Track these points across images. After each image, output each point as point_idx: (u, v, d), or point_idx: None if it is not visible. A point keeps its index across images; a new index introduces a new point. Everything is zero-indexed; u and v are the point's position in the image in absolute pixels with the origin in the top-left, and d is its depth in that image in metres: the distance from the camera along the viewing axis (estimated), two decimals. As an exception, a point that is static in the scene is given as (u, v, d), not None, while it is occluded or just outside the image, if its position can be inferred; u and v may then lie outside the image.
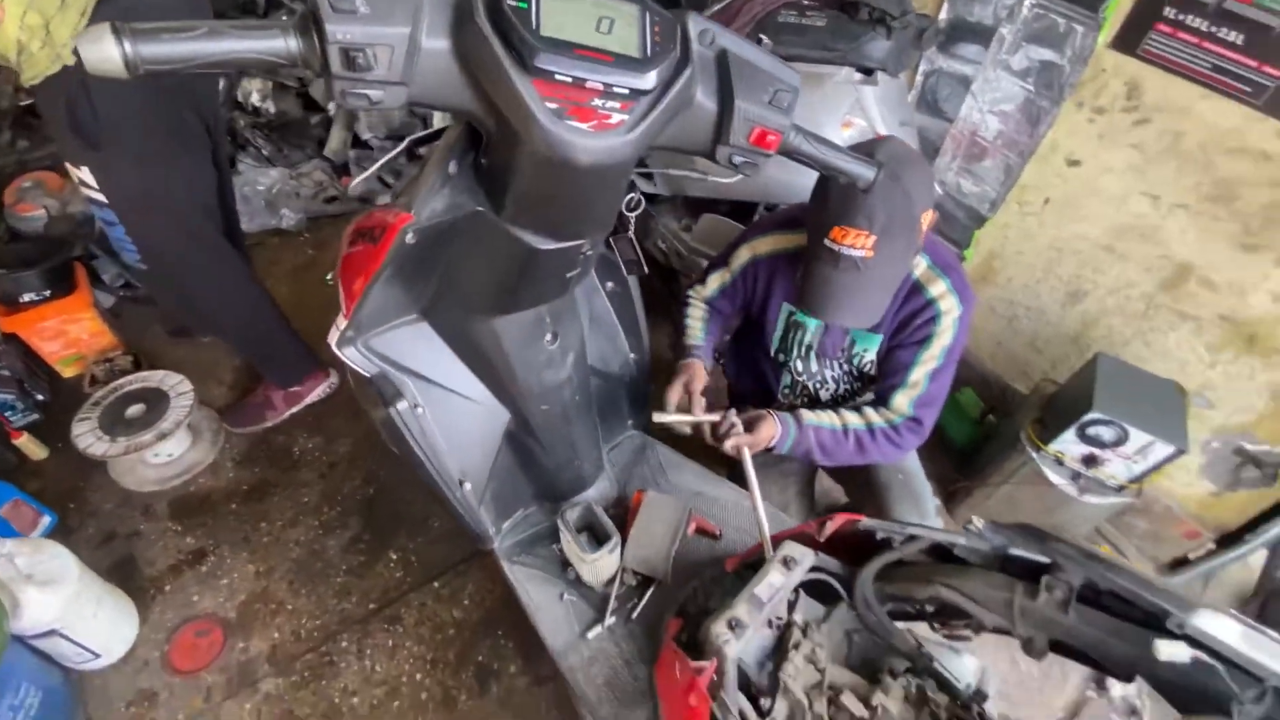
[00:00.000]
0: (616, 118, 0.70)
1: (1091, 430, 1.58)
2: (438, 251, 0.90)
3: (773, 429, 1.32)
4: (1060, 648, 0.96)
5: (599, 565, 1.27)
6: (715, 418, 1.31)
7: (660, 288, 2.36)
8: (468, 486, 1.21)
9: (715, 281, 1.46)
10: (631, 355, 1.48)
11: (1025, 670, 1.77)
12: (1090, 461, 1.62)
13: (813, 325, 1.40)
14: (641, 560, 1.31)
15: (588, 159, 0.71)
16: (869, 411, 1.36)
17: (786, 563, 1.10)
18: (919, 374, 1.31)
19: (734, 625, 1.01)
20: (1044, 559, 0.92)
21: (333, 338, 1.00)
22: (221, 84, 2.97)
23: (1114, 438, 1.56)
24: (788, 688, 0.99)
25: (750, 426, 1.32)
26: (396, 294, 0.98)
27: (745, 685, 1.05)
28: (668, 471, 1.58)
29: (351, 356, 1.02)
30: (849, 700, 0.96)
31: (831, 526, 1.13)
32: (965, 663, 1.22)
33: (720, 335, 1.58)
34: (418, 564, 1.80)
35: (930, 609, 1.11)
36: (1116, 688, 1.90)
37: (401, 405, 1.05)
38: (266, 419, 2.06)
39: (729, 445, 1.32)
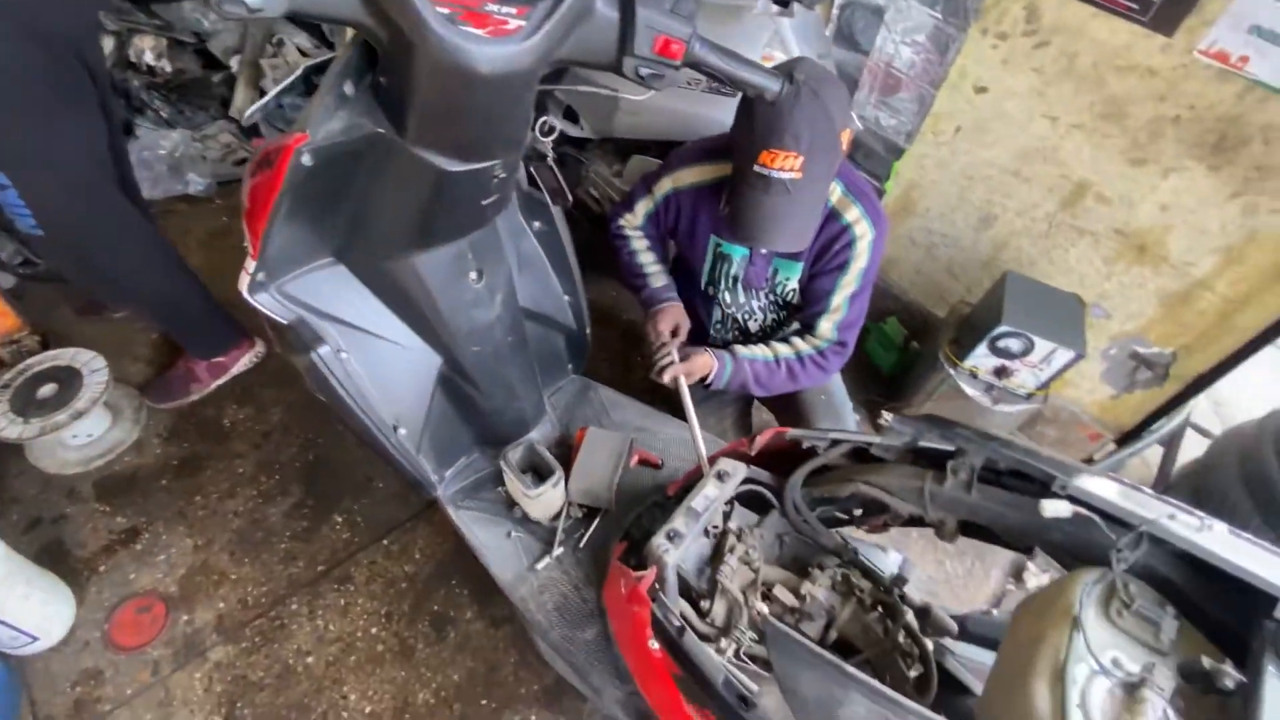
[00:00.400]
0: (514, 23, 0.69)
1: (1001, 343, 1.68)
2: (342, 182, 0.87)
3: (709, 362, 1.36)
4: (969, 529, 1.05)
5: (544, 500, 1.30)
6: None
7: (596, 237, 2.35)
8: (402, 432, 1.20)
9: (643, 208, 1.47)
10: (566, 298, 1.49)
11: (950, 570, 1.92)
12: (1001, 373, 1.74)
13: (738, 256, 1.43)
14: (585, 492, 1.35)
15: (487, 67, 0.70)
16: (797, 340, 1.42)
17: (720, 476, 1.15)
18: (839, 299, 1.37)
19: (672, 536, 1.05)
20: (949, 446, 0.99)
21: (243, 284, 0.97)
22: (110, 43, 2.73)
23: (1021, 348, 1.67)
24: (725, 588, 1.05)
25: (685, 358, 1.36)
26: (304, 231, 0.95)
27: (686, 591, 1.11)
28: (610, 411, 1.61)
29: (265, 303, 0.99)
30: (780, 593, 1.03)
31: (761, 440, 1.18)
32: (889, 557, 1.32)
33: (668, 261, 1.60)
34: (364, 524, 1.78)
35: (857, 511, 1.19)
36: (1032, 579, 2.07)
37: (323, 350, 1.03)
38: (191, 392, 1.97)
39: (667, 377, 1.36)
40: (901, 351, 2.19)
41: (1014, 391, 1.76)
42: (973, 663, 1.15)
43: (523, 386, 1.37)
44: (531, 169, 1.17)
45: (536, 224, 1.35)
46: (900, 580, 1.10)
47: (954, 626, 1.07)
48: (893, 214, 2.18)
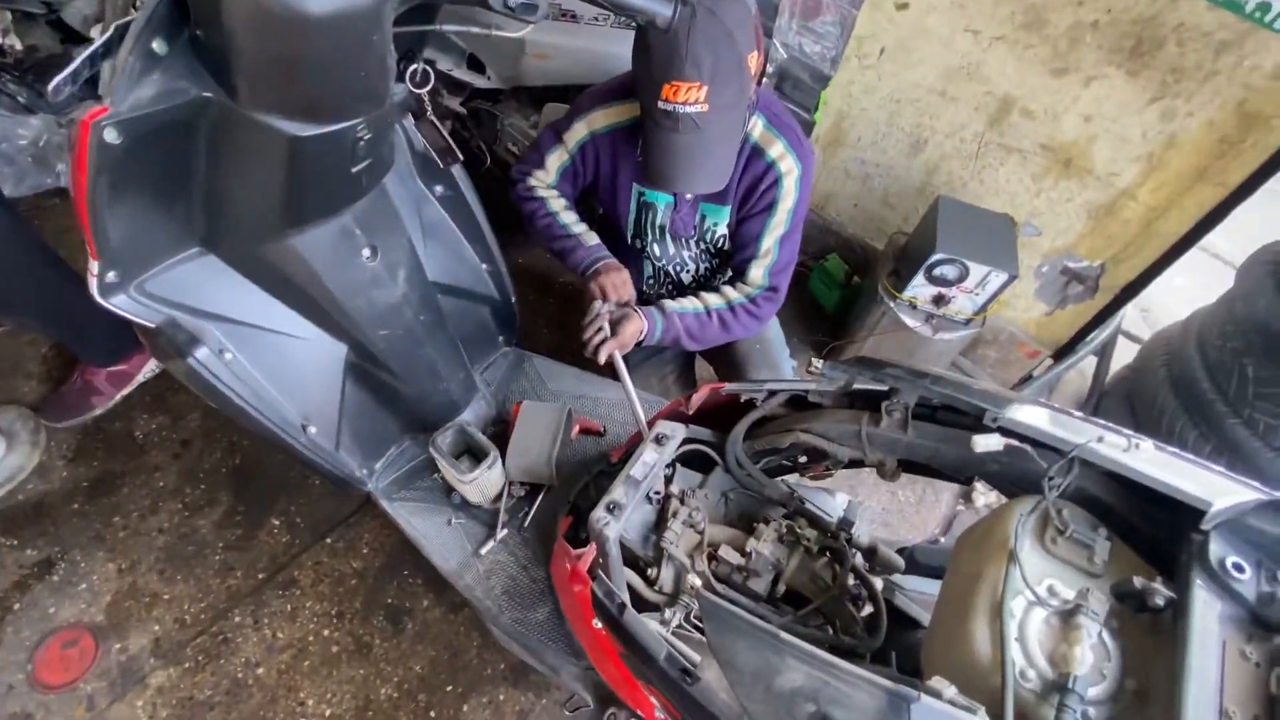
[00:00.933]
0: (342, -49, 0.58)
1: (937, 271, 1.67)
2: (177, 160, 0.75)
3: (639, 324, 1.30)
4: (909, 467, 1.03)
5: (481, 483, 1.24)
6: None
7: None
8: (313, 430, 1.11)
9: (555, 162, 1.36)
10: (484, 267, 1.39)
11: (903, 499, 1.94)
12: (939, 301, 1.73)
13: (662, 203, 1.35)
14: (524, 469, 1.29)
15: (317, 7, 0.59)
16: (727, 290, 1.36)
17: (659, 440, 1.10)
18: (769, 242, 1.31)
19: (612, 508, 1.00)
20: (882, 387, 0.96)
21: (93, 287, 0.85)
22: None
23: (957, 274, 1.66)
24: (670, 554, 1.02)
25: (616, 327, 1.28)
26: (152, 220, 0.83)
27: (634, 560, 1.07)
28: (547, 381, 1.54)
29: (124, 306, 0.87)
30: (726, 552, 1.00)
31: (698, 398, 1.14)
32: (836, 501, 1.31)
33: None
34: (304, 525, 1.70)
35: (802, 459, 1.17)
36: (980, 499, 2.12)
37: (201, 353, 0.93)
38: (93, 406, 1.81)
39: (602, 356, 1.28)
40: (844, 288, 2.16)
41: (953, 318, 1.76)
42: (923, 595, 1.16)
43: (446, 367, 1.28)
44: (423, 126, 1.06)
45: (438, 189, 1.24)
46: (846, 524, 1.09)
47: (900, 563, 1.07)
48: (825, 146, 2.12)
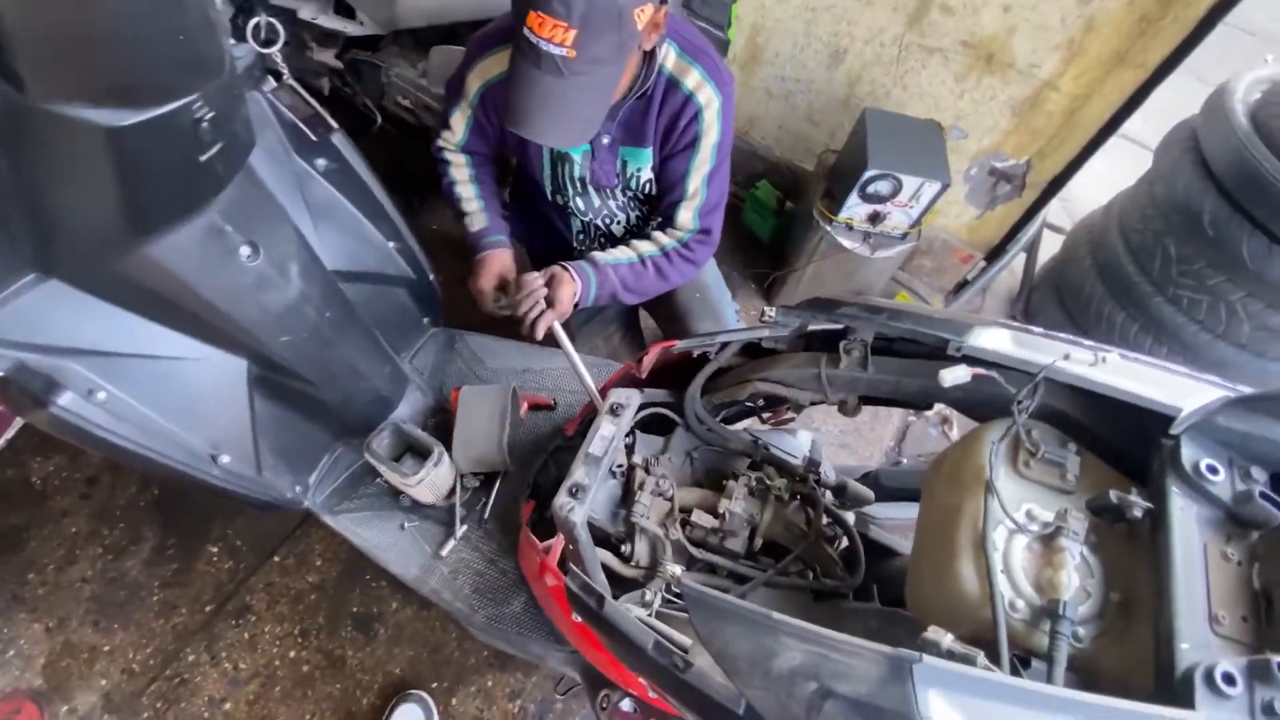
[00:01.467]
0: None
1: (871, 188, 1.62)
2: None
3: (572, 286, 1.19)
4: (871, 400, 1.01)
5: (430, 482, 1.15)
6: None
7: (417, 160, 2.04)
8: (226, 459, 0.99)
9: (460, 120, 1.21)
10: (390, 244, 1.25)
11: (858, 420, 1.95)
12: (875, 219, 1.70)
13: (578, 155, 1.23)
14: (474, 459, 1.20)
15: None
16: (658, 235, 1.27)
17: (615, 410, 1.03)
18: (695, 182, 1.22)
19: (575, 491, 0.94)
20: (838, 325, 0.92)
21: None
22: None
23: (890, 190, 1.62)
24: (642, 528, 0.98)
25: (551, 295, 1.17)
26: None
27: (604, 538, 1.03)
28: (485, 360, 1.44)
29: (-51, 358, 0.72)
30: (699, 516, 0.97)
31: (649, 360, 1.07)
32: (799, 439, 1.29)
33: (498, 191, 1.38)
34: (246, 547, 1.58)
35: (761, 405, 1.13)
36: (932, 411, 2.17)
37: (64, 399, 0.78)
38: (-28, 458, 1.60)
39: (540, 331, 1.18)
40: (777, 215, 2.10)
41: (890, 235, 1.73)
42: (894, 521, 1.17)
43: (367, 362, 1.16)
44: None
45: (321, 162, 1.08)
46: (813, 465, 1.07)
47: (870, 495, 1.06)
48: (742, 66, 2.00)
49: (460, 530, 1.18)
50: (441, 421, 1.30)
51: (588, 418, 1.25)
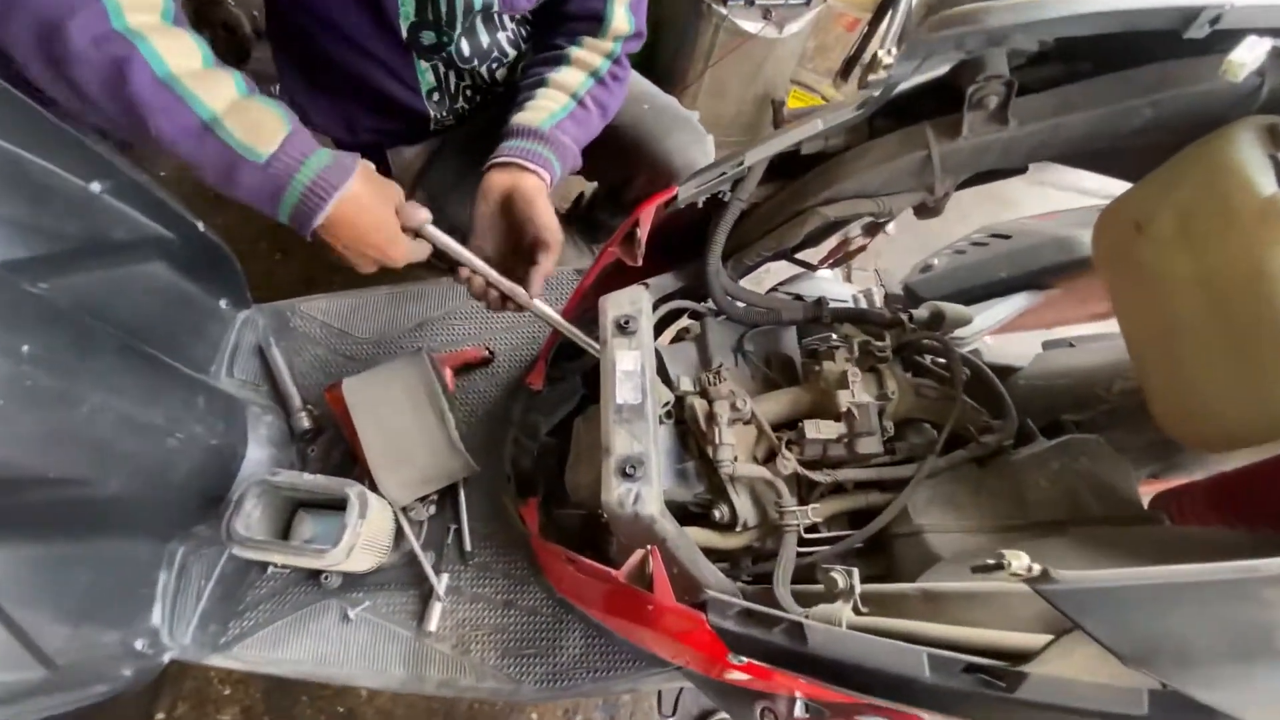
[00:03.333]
0: None
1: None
2: None
3: (541, 188, 0.71)
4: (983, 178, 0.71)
5: (363, 543, 0.70)
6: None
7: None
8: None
9: None
10: (96, 186, 0.67)
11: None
12: (771, -17, 1.32)
13: None
14: (414, 481, 0.77)
15: None
16: (583, 56, 0.79)
17: (624, 327, 0.64)
18: None
19: (631, 469, 0.57)
20: (954, 60, 0.57)
21: None
22: None
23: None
24: (738, 475, 0.64)
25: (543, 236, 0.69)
26: None
27: (682, 512, 0.69)
28: (350, 329, 0.94)
29: None
30: (814, 428, 0.65)
31: (643, 229, 0.66)
32: (825, 281, 1.00)
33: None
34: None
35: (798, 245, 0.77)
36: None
37: None
38: None
39: (535, 289, 0.70)
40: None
41: (790, 2, 1.37)
42: (978, 335, 0.93)
43: (152, 404, 0.65)
44: None
45: None
46: (897, 299, 0.78)
47: (968, 312, 0.80)
48: None
49: (442, 585, 0.76)
50: (330, 444, 0.82)
51: (557, 351, 0.84)
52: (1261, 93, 0.53)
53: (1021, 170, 0.71)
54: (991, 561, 0.33)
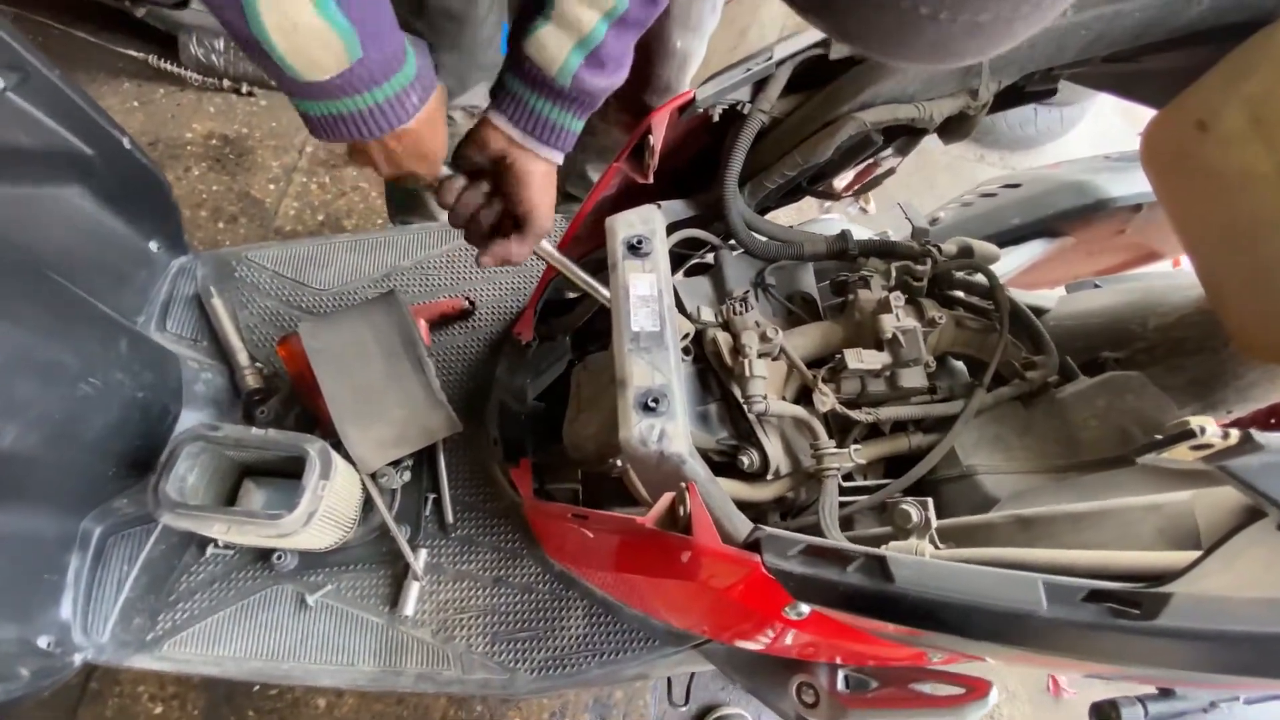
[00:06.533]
0: None
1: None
2: None
3: (550, 173, 0.54)
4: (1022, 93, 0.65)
5: (324, 511, 0.59)
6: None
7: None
8: None
9: None
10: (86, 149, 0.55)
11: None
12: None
13: None
14: (384, 442, 0.65)
15: None
16: None
17: (637, 249, 0.56)
18: None
19: (654, 402, 0.49)
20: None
21: None
22: None
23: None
24: (771, 414, 0.56)
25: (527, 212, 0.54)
26: None
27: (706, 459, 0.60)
28: (305, 279, 0.82)
29: None
30: (855, 358, 0.57)
31: (656, 136, 0.58)
32: (833, 223, 0.94)
33: None
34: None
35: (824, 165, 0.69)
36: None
37: None
38: None
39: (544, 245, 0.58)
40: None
41: (775, -36, 1.33)
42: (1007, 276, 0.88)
43: (63, 346, 0.53)
44: None
45: None
46: (922, 233, 0.72)
47: (996, 250, 0.74)
48: None
49: (419, 562, 0.65)
50: (283, 406, 0.71)
51: (544, 305, 0.74)
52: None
53: (1054, 90, 0.67)
54: (1177, 428, 0.26)
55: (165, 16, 1.28)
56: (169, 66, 1.34)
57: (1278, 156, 0.48)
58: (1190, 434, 0.26)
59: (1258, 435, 0.26)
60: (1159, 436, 0.28)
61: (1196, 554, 0.33)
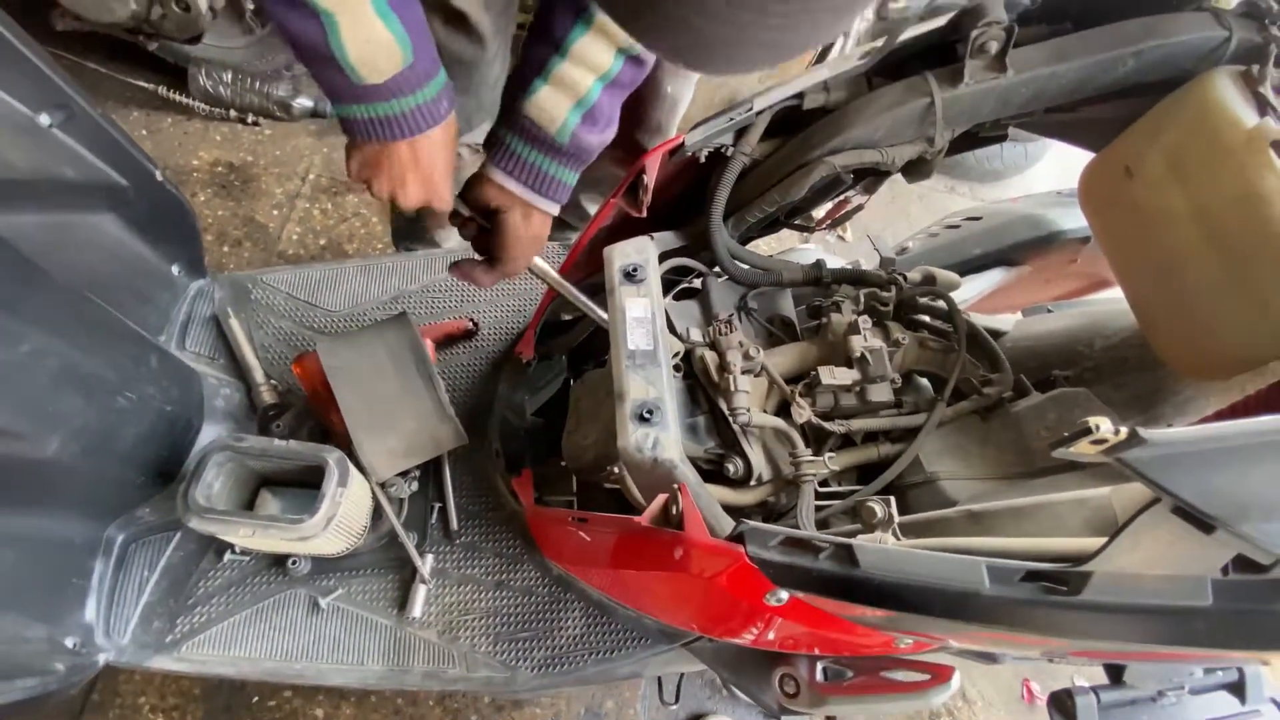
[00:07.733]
0: None
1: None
2: None
3: (545, 221, 0.62)
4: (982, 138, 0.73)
5: (342, 517, 0.63)
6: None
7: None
8: None
9: None
10: (44, 120, 0.60)
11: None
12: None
13: None
14: (400, 450, 0.70)
15: None
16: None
17: (632, 276, 0.62)
18: None
19: (649, 414, 0.55)
20: (950, 18, 0.60)
21: None
22: None
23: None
24: (754, 425, 0.62)
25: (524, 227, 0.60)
26: None
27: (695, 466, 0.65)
28: (316, 301, 0.87)
29: None
30: (829, 374, 0.63)
31: (650, 175, 0.65)
32: (810, 252, 1.01)
33: None
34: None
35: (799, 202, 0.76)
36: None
37: None
38: None
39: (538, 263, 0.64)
40: None
41: None
42: (967, 303, 0.96)
43: (104, 361, 0.58)
44: None
45: None
46: (890, 263, 0.79)
47: (956, 278, 0.82)
48: None
49: (426, 566, 0.70)
50: (298, 420, 0.75)
51: (544, 325, 0.80)
52: (1229, 46, 0.58)
53: (1004, 136, 0.75)
54: (1079, 427, 0.32)
55: (177, 50, 1.33)
56: (177, 96, 1.39)
57: (1192, 199, 0.56)
58: (1089, 430, 0.32)
59: (1142, 430, 0.32)
60: (1066, 434, 0.34)
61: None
